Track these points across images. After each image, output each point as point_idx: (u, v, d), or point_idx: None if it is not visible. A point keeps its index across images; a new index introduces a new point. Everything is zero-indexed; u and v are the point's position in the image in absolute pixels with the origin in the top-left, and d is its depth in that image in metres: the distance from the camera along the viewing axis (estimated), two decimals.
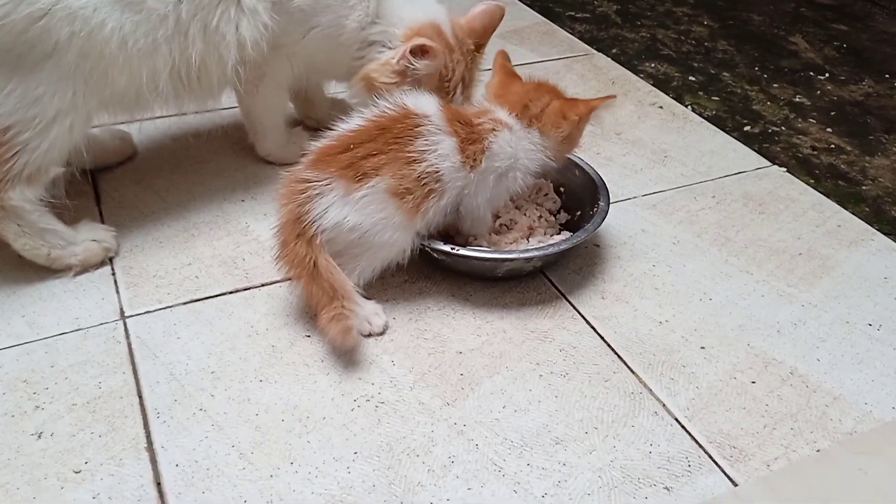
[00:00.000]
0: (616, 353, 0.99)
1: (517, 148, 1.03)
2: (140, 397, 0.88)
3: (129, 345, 0.95)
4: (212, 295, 1.03)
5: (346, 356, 0.95)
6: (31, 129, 0.94)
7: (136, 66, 0.99)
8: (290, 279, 0.96)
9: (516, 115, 1.04)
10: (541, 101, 1.05)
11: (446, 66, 1.16)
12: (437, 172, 0.97)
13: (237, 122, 1.32)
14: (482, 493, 0.81)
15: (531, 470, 0.84)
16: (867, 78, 1.79)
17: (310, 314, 0.97)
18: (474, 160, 1.00)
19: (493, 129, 1.01)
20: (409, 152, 0.96)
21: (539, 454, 0.85)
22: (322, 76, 1.31)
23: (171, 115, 1.29)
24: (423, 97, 1.02)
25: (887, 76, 1.81)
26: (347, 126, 0.98)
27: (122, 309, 1.00)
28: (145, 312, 0.99)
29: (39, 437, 0.83)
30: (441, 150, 0.97)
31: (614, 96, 1.09)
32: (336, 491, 0.80)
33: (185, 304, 1.01)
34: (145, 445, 0.83)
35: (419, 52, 1.11)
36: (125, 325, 0.97)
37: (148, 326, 0.97)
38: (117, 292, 1.02)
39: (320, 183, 0.94)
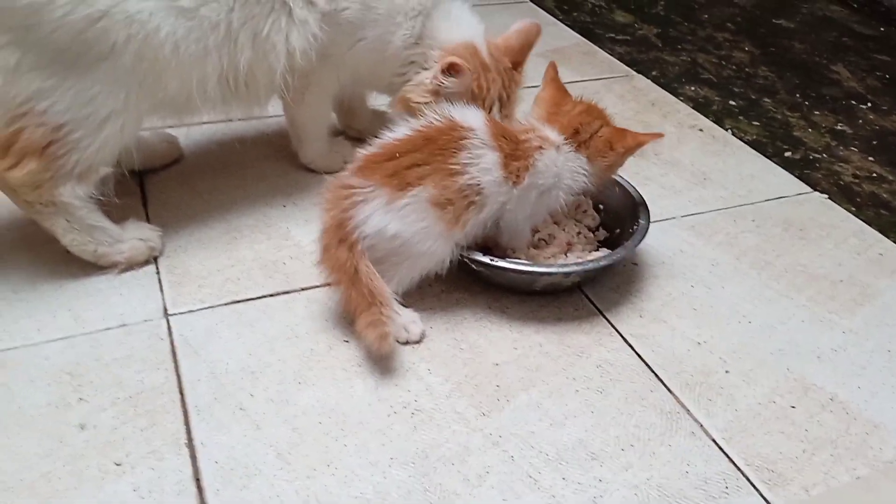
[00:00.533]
0: (653, 372, 0.98)
1: (562, 168, 1.04)
2: (181, 394, 0.90)
3: (172, 342, 0.96)
4: (253, 297, 1.04)
5: (383, 363, 0.95)
6: (84, 128, 0.97)
7: (187, 70, 1.01)
8: (330, 284, 0.97)
9: (566, 137, 1.04)
10: (591, 127, 1.06)
11: (479, 84, 1.16)
12: (478, 185, 0.97)
13: (281, 130, 1.34)
14: None
15: (566, 484, 0.83)
16: None
17: (348, 319, 0.98)
18: (517, 176, 1.00)
19: (540, 147, 1.02)
20: (452, 164, 0.97)
21: (575, 468, 0.85)
22: (365, 87, 1.33)
23: (217, 121, 1.33)
24: (469, 111, 1.03)
25: None
26: (393, 135, 1.00)
27: (165, 307, 1.01)
28: (188, 311, 1.01)
29: (82, 428, 0.85)
30: (484, 164, 0.98)
31: (662, 134, 1.09)
32: (371, 495, 0.80)
33: (226, 304, 1.03)
34: (185, 441, 0.84)
35: (449, 69, 1.12)
36: (168, 322, 0.99)
37: (190, 325, 0.99)
38: (161, 290, 1.04)
39: (364, 190, 0.95)
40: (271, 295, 1.05)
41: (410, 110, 1.15)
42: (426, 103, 1.13)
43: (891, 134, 1.66)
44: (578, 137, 1.04)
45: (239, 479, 0.80)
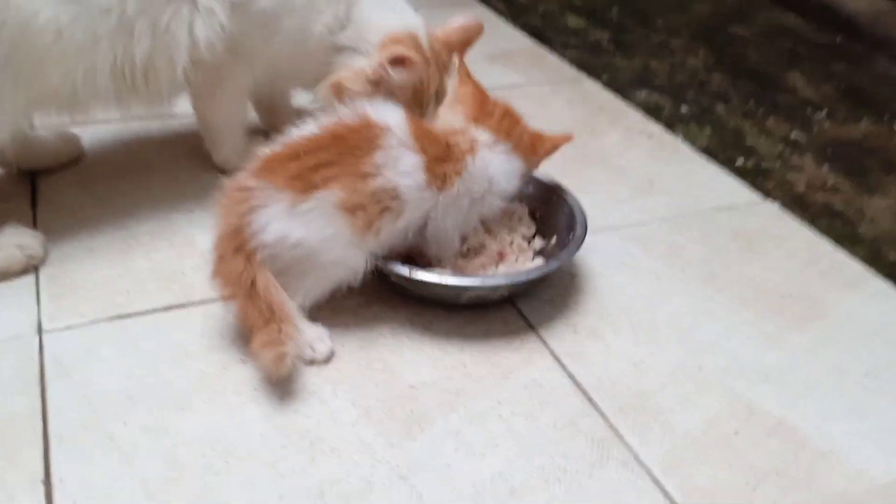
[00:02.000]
0: (585, 394, 0.89)
1: (496, 171, 0.95)
2: (44, 422, 0.78)
3: (42, 362, 0.85)
4: (142, 311, 0.93)
5: (283, 386, 0.85)
6: None
7: (72, 61, 0.91)
8: (225, 298, 0.87)
9: (499, 139, 0.95)
10: (521, 128, 0.98)
11: (422, 80, 1.08)
12: (394, 190, 0.88)
13: (195, 130, 1.23)
14: None
15: None
16: (866, 118, 1.72)
17: (248, 337, 0.87)
18: (444, 180, 0.91)
19: (471, 150, 0.93)
20: (364, 165, 0.87)
21: None
22: (287, 82, 1.23)
23: (124, 120, 1.22)
24: (386, 107, 0.93)
25: (887, 117, 1.73)
26: (299, 132, 0.90)
27: (40, 322, 0.90)
28: (65, 328, 0.90)
29: None
30: (402, 167, 0.88)
31: (572, 137, 1.03)
32: None
33: (111, 319, 0.92)
34: (42, 478, 0.73)
35: (398, 62, 1.03)
36: (41, 340, 0.88)
37: (66, 343, 0.88)
38: (38, 303, 0.93)
39: (264, 193, 0.85)
40: (164, 309, 0.94)
41: (342, 97, 1.05)
42: (364, 94, 1.04)
43: (846, 143, 1.60)
44: (511, 139, 0.95)
45: None
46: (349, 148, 0.88)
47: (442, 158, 0.91)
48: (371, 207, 0.87)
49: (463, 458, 0.80)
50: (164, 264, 1.01)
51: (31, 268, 0.97)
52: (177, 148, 1.25)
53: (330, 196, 0.85)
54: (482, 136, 0.94)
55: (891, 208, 1.38)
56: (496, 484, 0.78)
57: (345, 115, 0.91)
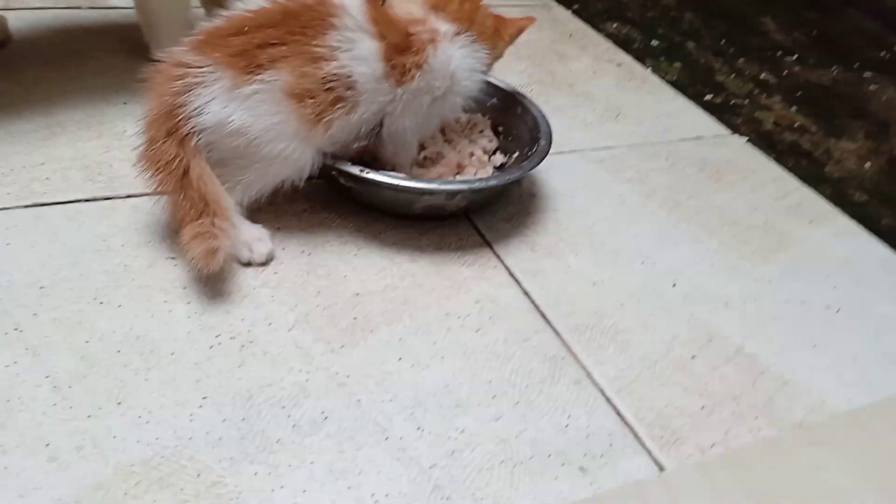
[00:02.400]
0: (540, 311, 0.84)
1: (459, 65, 0.87)
2: None
3: None
4: (62, 201, 0.84)
5: (215, 286, 0.78)
6: None
7: None
8: (154, 188, 0.78)
9: (462, 28, 0.87)
10: (483, 13, 0.90)
11: None
12: (348, 77, 0.80)
13: (133, 23, 1.12)
14: (357, 457, 0.65)
15: (421, 435, 0.68)
16: (836, 65, 1.69)
17: (177, 231, 0.80)
18: (403, 73, 0.83)
19: (433, 41, 0.85)
20: (315, 46, 0.79)
21: (434, 418, 0.70)
22: None
23: (56, 7, 1.11)
24: None
25: (857, 65, 1.70)
26: (245, 6, 0.81)
27: None
28: None
29: None
30: (358, 52, 0.80)
31: (534, 18, 0.97)
32: (169, 440, 0.63)
33: (26, 207, 0.83)
34: None
35: None
36: None
37: None
38: None
39: (202, 70, 0.77)
40: (87, 200, 0.86)
41: None
42: None
43: (815, 87, 1.57)
44: (474, 27, 0.88)
45: None
46: (300, 26, 0.79)
47: (401, 48, 0.83)
48: (322, 96, 0.79)
49: (406, 367, 0.74)
50: (90, 154, 0.92)
51: None
52: (113, 39, 1.14)
53: (276, 78, 0.77)
54: (444, 26, 0.86)
55: (856, 152, 1.35)
56: (440, 395, 0.72)
57: None
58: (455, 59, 0.86)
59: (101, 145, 0.94)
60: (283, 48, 0.78)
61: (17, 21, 1.12)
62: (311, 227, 0.89)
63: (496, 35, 0.91)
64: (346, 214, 0.92)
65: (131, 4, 1.07)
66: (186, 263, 0.78)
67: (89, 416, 0.63)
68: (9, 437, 0.61)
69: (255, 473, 0.62)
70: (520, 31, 0.94)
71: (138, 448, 0.62)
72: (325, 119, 0.80)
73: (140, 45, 1.10)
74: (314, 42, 0.79)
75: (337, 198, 0.93)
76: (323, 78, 0.79)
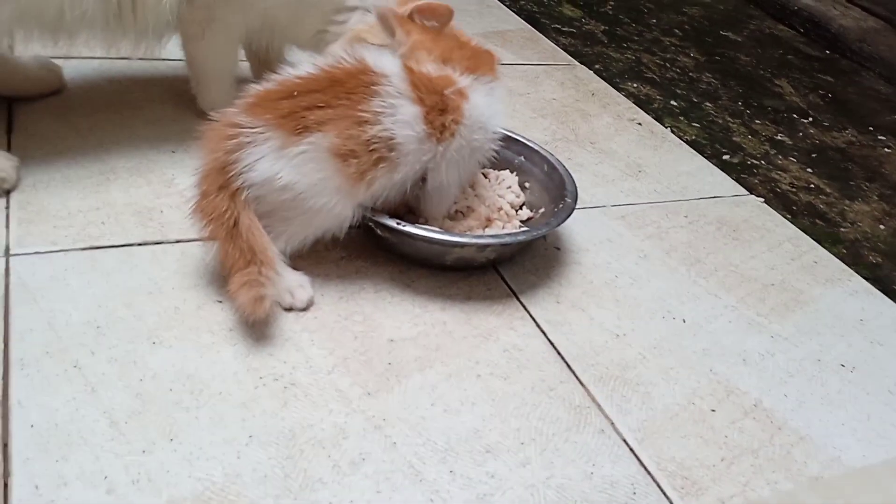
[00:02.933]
0: (565, 362, 0.88)
1: (489, 113, 0.92)
2: (6, 344, 0.75)
3: (7, 286, 0.81)
4: (116, 244, 0.90)
5: (259, 329, 0.82)
6: None
7: None
8: (205, 236, 0.84)
9: (475, 75, 0.92)
10: (471, 50, 0.96)
11: None
12: (391, 140, 0.85)
13: (183, 75, 1.19)
14: (393, 498, 0.69)
15: (453, 478, 0.72)
16: (850, 127, 1.74)
17: (226, 278, 0.84)
18: (443, 131, 0.88)
19: (461, 94, 0.90)
20: (360, 111, 0.84)
21: (465, 461, 0.73)
22: (283, 37, 1.19)
23: (108, 57, 1.17)
24: (385, 55, 0.91)
25: (871, 128, 1.75)
26: (295, 72, 0.87)
27: (7, 246, 0.86)
28: (34, 253, 0.86)
29: None
30: (401, 117, 0.86)
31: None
32: (219, 477, 0.67)
33: (82, 249, 0.88)
34: None
35: (426, 11, 0.98)
36: (7, 263, 0.84)
37: (34, 268, 0.84)
38: (7, 227, 0.88)
39: (254, 130, 0.82)
40: (139, 244, 0.91)
41: None
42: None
43: (830, 149, 1.62)
44: (479, 67, 0.93)
45: (57, 449, 0.66)
46: (346, 92, 0.85)
47: (441, 109, 0.88)
48: (365, 156, 0.84)
49: (439, 412, 0.78)
50: (141, 200, 0.97)
51: (2, 192, 0.92)
52: (162, 89, 1.21)
53: (323, 140, 0.83)
54: (464, 80, 0.91)
55: (871, 213, 1.39)
56: (471, 440, 0.76)
57: (342, 58, 0.88)
58: (482, 107, 0.91)
59: (151, 192, 0.99)
60: (330, 111, 0.83)
61: (72, 70, 1.18)
62: (347, 275, 0.93)
63: (490, 67, 0.95)
64: (381, 263, 0.96)
65: (178, 57, 1.14)
66: (232, 307, 0.83)
67: (144, 451, 0.67)
68: (70, 469, 0.65)
69: None
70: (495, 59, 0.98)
71: (190, 483, 0.66)
72: (368, 177, 0.85)
73: (187, 97, 1.16)
74: (359, 107, 0.84)
75: (372, 247, 0.97)
76: (367, 140, 0.84)
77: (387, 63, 0.89)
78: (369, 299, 0.91)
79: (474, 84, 0.92)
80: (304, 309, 0.86)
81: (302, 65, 0.88)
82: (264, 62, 1.26)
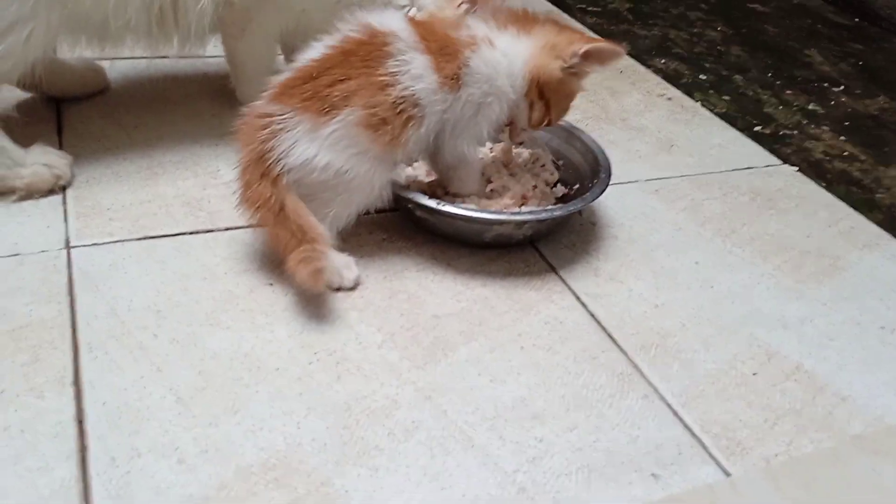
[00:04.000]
0: (606, 332, 0.90)
1: (500, 70, 0.92)
2: (73, 330, 0.79)
3: (70, 275, 0.85)
4: (169, 234, 0.94)
5: (310, 308, 0.86)
6: None
7: None
8: (254, 224, 0.87)
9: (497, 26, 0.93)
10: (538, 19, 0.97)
11: None
12: (413, 96, 0.86)
13: (222, 72, 1.23)
14: (446, 462, 0.71)
15: (503, 444, 0.74)
16: (882, 94, 1.73)
17: (275, 262, 0.88)
18: (453, 79, 0.89)
19: (472, 46, 0.90)
20: (379, 76, 0.85)
21: (514, 428, 0.76)
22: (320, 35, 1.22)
23: (152, 57, 1.21)
24: (387, 13, 0.92)
25: None
26: (309, 55, 0.89)
27: (67, 238, 0.90)
28: (92, 244, 0.90)
29: None
30: (414, 70, 0.86)
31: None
32: (281, 446, 0.70)
33: (138, 239, 0.92)
34: (72, 381, 0.74)
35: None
36: (69, 254, 0.88)
37: (94, 259, 0.88)
38: (65, 221, 0.93)
39: (283, 117, 0.85)
40: (190, 233, 0.94)
41: None
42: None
43: (863, 116, 1.61)
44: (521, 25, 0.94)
45: (129, 424, 0.70)
46: (361, 60, 0.86)
47: (447, 54, 0.88)
48: (395, 119, 0.86)
49: (485, 382, 0.81)
50: (189, 192, 1.01)
51: (58, 188, 0.97)
52: (200, 86, 1.25)
53: (351, 115, 0.84)
54: (479, 28, 0.91)
55: None
56: (518, 408, 0.78)
57: (348, 30, 0.89)
58: (493, 62, 0.91)
59: (198, 183, 1.03)
60: (352, 83, 0.85)
61: (114, 71, 1.23)
62: (389, 256, 0.96)
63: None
64: (420, 243, 0.99)
65: (215, 54, 1.17)
66: (284, 289, 0.87)
67: (210, 424, 0.71)
68: (142, 442, 0.69)
69: (358, 475, 0.69)
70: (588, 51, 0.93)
71: (255, 452, 0.69)
72: (402, 139, 0.87)
73: (224, 91, 1.20)
74: (377, 72, 0.85)
75: (412, 229, 1.00)
76: (393, 103, 0.86)
77: (392, 21, 0.90)
78: (412, 278, 0.93)
79: (491, 34, 0.92)
80: (352, 289, 0.89)
81: (314, 47, 0.89)
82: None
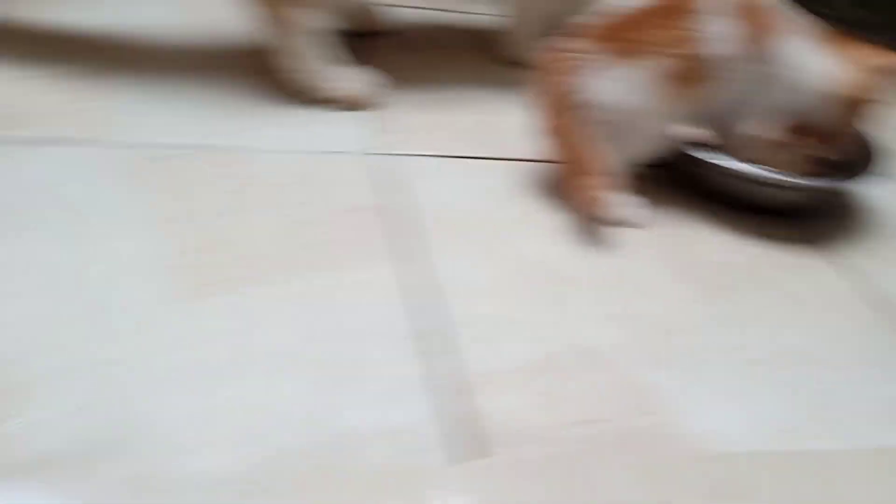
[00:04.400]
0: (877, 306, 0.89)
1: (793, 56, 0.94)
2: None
3: (382, 176, 0.95)
4: (468, 156, 1.02)
5: (599, 236, 0.91)
6: None
7: None
8: (548, 156, 0.93)
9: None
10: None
11: None
12: (711, 55, 0.90)
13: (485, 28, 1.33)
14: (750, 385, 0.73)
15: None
16: None
17: (567, 192, 0.93)
18: (762, 49, 0.92)
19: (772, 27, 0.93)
20: (683, 30, 0.90)
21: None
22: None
23: (428, 8, 1.32)
24: None
25: None
26: (624, 3, 0.93)
27: (371, 147, 1.01)
28: (395, 154, 1.01)
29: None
30: (717, 32, 0.90)
31: None
32: (591, 343, 0.75)
33: (432, 156, 1.01)
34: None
35: None
36: (381, 160, 0.98)
37: (404, 166, 0.98)
38: (370, 132, 1.04)
39: (589, 55, 0.90)
40: (491, 158, 1.02)
41: None
42: None
43: None
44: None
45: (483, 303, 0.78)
46: (666, 16, 0.90)
47: (759, 24, 0.91)
48: (690, 75, 0.90)
49: (775, 323, 0.83)
50: (480, 123, 1.10)
51: (371, 104, 1.07)
52: (467, 38, 1.36)
53: (656, 63, 0.89)
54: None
55: None
56: (804, 346, 0.80)
57: None
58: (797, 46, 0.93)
59: (483, 120, 1.11)
60: (661, 33, 0.90)
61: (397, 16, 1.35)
62: (667, 207, 0.98)
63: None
64: (693, 205, 1.00)
65: (483, 12, 1.28)
66: (571, 215, 0.93)
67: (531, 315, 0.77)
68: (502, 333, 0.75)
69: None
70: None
71: (572, 343, 0.75)
72: (692, 95, 0.92)
73: (486, 45, 1.30)
74: (682, 27, 0.90)
75: (677, 187, 1.02)
76: (690, 58, 0.90)
77: None
78: (689, 233, 0.95)
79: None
80: (636, 226, 0.93)
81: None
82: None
